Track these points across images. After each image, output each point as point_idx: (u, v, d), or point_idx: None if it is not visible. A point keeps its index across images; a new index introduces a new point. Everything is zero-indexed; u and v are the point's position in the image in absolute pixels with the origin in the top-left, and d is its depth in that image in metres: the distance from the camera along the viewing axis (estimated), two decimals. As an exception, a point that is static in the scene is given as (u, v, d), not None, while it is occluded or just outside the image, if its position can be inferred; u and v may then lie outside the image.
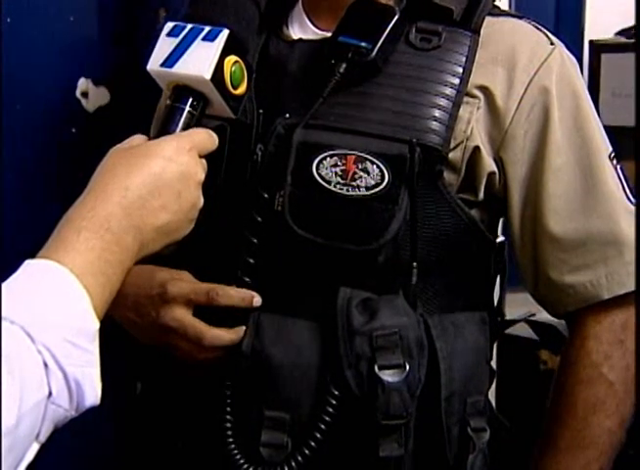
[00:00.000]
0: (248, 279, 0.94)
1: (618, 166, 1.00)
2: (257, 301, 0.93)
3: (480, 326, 1.01)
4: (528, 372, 1.25)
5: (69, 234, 0.71)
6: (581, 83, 1.02)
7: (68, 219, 0.72)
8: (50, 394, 0.64)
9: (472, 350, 0.99)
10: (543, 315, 1.14)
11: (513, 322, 1.16)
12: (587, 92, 1.02)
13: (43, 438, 0.65)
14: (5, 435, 0.59)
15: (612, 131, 1.02)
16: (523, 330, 1.29)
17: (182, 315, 0.92)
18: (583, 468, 0.98)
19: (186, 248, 0.97)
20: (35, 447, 0.65)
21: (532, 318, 1.20)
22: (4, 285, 0.66)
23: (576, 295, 0.98)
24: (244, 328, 0.93)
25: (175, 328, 0.92)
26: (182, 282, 0.93)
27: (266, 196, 0.92)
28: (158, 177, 0.75)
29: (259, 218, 0.93)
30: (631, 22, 1.82)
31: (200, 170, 0.79)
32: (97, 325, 0.68)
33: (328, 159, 0.90)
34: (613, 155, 1.00)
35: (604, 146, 1.00)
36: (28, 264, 0.68)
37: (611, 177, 0.98)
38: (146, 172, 0.75)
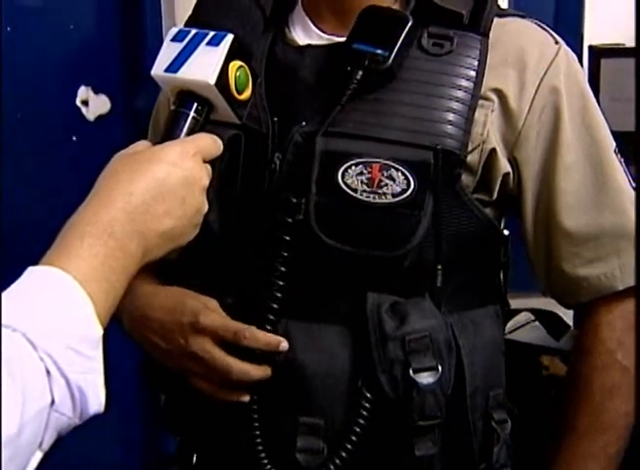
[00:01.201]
0: (280, 285, 0.93)
1: (622, 161, 1.02)
2: (284, 346, 0.92)
3: (494, 320, 1.03)
4: (530, 378, 1.25)
5: (73, 240, 0.70)
6: (585, 80, 1.03)
7: (72, 225, 0.71)
8: (53, 401, 0.63)
9: (490, 344, 1.01)
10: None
11: (517, 312, 1.17)
12: (590, 88, 1.03)
13: (46, 446, 0.64)
14: (6, 443, 0.58)
15: (612, 136, 1.02)
16: (523, 335, 1.29)
17: (212, 347, 0.92)
18: (602, 450, 0.99)
19: (200, 255, 0.97)
20: (39, 456, 0.64)
21: (537, 307, 1.21)
22: (6, 292, 0.65)
23: (590, 287, 1.00)
24: (270, 368, 0.93)
25: (204, 357, 0.92)
26: (214, 314, 0.93)
27: (294, 201, 0.92)
28: (162, 183, 0.74)
29: (289, 220, 0.92)
30: (631, 27, 1.82)
31: (204, 176, 0.78)
32: (100, 332, 0.67)
33: (353, 167, 0.90)
34: (617, 150, 1.02)
35: (610, 141, 1.02)
36: (32, 271, 0.68)
37: (619, 172, 1.00)
38: (150, 178, 0.74)
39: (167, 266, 1.00)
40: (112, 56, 1.61)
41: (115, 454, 1.69)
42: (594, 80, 1.01)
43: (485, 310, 1.02)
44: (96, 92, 1.59)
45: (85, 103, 1.58)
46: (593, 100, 1.02)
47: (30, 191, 1.47)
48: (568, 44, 1.03)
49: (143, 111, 1.57)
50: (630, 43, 1.90)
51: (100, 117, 1.60)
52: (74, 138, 1.56)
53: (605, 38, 2.01)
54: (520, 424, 1.05)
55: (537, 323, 1.26)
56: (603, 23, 2.07)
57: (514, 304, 1.11)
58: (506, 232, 1.03)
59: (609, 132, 1.02)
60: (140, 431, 1.70)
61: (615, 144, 1.02)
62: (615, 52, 1.91)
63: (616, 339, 0.99)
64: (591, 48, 1.99)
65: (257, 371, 0.92)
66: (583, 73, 1.03)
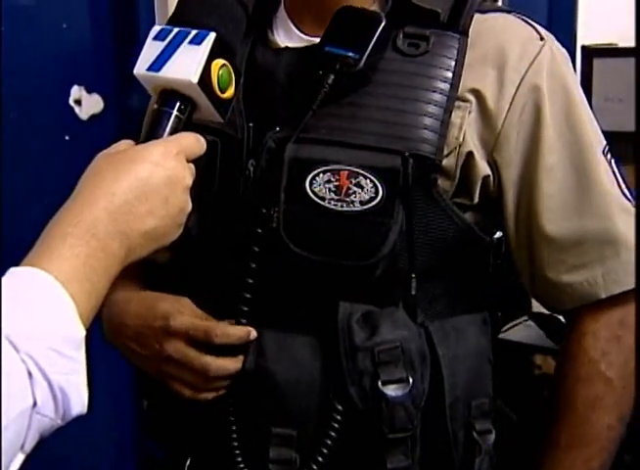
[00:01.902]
0: (248, 295, 0.93)
1: (613, 161, 0.99)
2: (254, 334, 0.92)
3: (480, 327, 1.01)
4: (523, 377, 1.24)
5: (55, 240, 0.70)
6: (573, 78, 1.00)
7: (54, 225, 0.71)
8: (35, 403, 0.63)
9: (474, 352, 0.99)
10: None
11: (515, 316, 1.16)
12: (579, 86, 1.00)
13: (28, 448, 0.64)
14: (-13, 445, 0.58)
15: (604, 136, 1.00)
16: (516, 335, 1.29)
17: (185, 348, 0.92)
18: (585, 464, 0.97)
19: (182, 260, 0.97)
20: (21, 458, 0.64)
21: (535, 311, 1.20)
22: (-12, 294, 0.65)
23: (574, 293, 0.97)
24: (243, 358, 0.93)
25: (179, 359, 0.92)
26: (184, 316, 0.92)
27: (264, 211, 0.91)
28: (145, 182, 0.74)
29: (259, 230, 0.92)
30: (623, 26, 1.81)
31: (187, 175, 0.78)
32: (83, 333, 0.67)
33: (321, 175, 0.89)
34: (607, 149, 0.99)
35: (597, 141, 0.98)
36: (13, 272, 0.67)
37: (605, 174, 0.97)
38: (133, 177, 0.74)
39: (153, 270, 1.00)
40: (105, 55, 1.61)
41: (109, 456, 1.69)
42: (587, 80, 1.01)
43: (470, 317, 1.00)
44: (89, 91, 1.59)
45: (78, 102, 1.58)
46: (580, 98, 0.98)
47: (23, 190, 1.47)
48: (561, 44, 1.00)
49: (136, 110, 1.57)
50: (623, 43, 1.89)
51: (93, 117, 1.59)
52: (67, 137, 1.56)
53: (598, 38, 2.00)
54: (513, 432, 1.04)
55: (530, 322, 1.26)
56: (596, 23, 2.07)
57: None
58: (498, 234, 1.01)
59: (597, 132, 0.99)
60: (133, 434, 1.70)
61: (604, 144, 0.99)
62: (608, 52, 1.90)
63: (599, 349, 0.97)
64: (584, 48, 1.98)
65: (234, 364, 0.92)
66: (571, 70, 1.00)
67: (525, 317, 1.28)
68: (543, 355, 1.31)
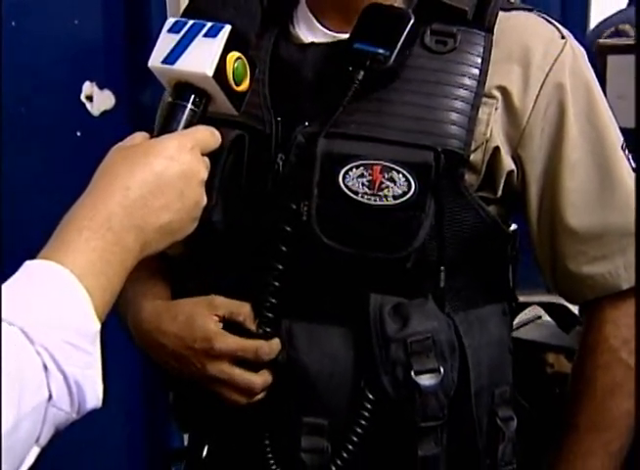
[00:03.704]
0: (277, 285, 0.93)
1: (630, 157, 1.00)
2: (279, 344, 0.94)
3: (501, 318, 1.02)
4: (535, 375, 1.24)
5: (71, 234, 0.69)
6: (592, 75, 1.01)
7: (70, 219, 0.71)
8: (50, 396, 0.63)
9: (496, 342, 1.00)
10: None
11: (526, 305, 1.16)
12: (598, 84, 1.01)
13: (44, 441, 0.64)
14: (3, 438, 0.58)
15: (618, 132, 1.01)
16: (528, 333, 1.28)
17: (230, 368, 0.92)
18: (603, 447, 0.99)
19: (205, 254, 0.97)
20: (36, 451, 0.63)
21: (546, 301, 1.20)
22: (3, 286, 0.65)
23: (595, 285, 0.99)
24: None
25: (224, 379, 0.92)
26: (228, 338, 0.92)
27: (294, 207, 0.92)
28: (159, 176, 0.74)
29: (288, 228, 0.92)
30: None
31: (202, 169, 0.78)
32: (98, 326, 0.67)
33: (354, 169, 0.89)
34: (624, 145, 1.00)
35: (616, 138, 1.00)
36: (28, 265, 0.67)
37: (625, 169, 0.99)
38: (148, 172, 0.74)
39: (175, 267, 1.01)
40: (116, 51, 1.61)
41: (121, 449, 1.70)
42: (600, 77, 1.00)
43: (492, 308, 1.01)
44: (101, 87, 1.59)
45: (90, 98, 1.58)
46: (600, 96, 1.00)
47: (35, 186, 1.47)
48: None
49: (148, 106, 1.57)
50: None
51: (104, 113, 1.60)
52: (79, 134, 1.56)
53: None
54: (527, 420, 1.05)
55: (543, 320, 1.25)
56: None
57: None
58: (514, 226, 1.02)
59: (617, 129, 1.00)
60: (145, 425, 1.70)
61: (622, 140, 1.00)
62: (621, 49, 1.89)
63: (620, 337, 0.98)
64: (597, 45, 1.97)
65: (271, 377, 0.94)
66: (590, 68, 1.01)
67: (537, 315, 1.27)
68: (555, 354, 1.31)
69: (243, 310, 0.93)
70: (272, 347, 0.93)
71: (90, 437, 1.50)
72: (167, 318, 0.95)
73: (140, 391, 1.65)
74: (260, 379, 0.93)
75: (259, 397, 0.94)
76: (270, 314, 0.94)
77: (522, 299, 1.11)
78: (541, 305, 1.21)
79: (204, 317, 0.93)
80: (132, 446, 1.71)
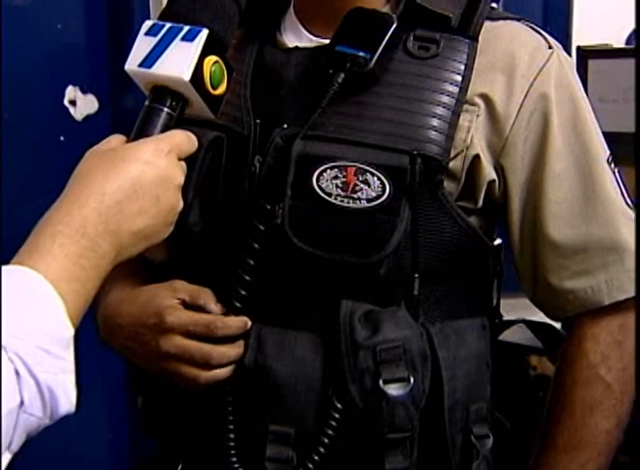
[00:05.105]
0: (244, 292, 0.93)
1: (617, 171, 0.99)
2: (249, 323, 0.92)
3: (480, 332, 1.01)
4: (518, 378, 1.24)
5: (45, 239, 0.69)
6: (579, 86, 1.00)
7: (44, 224, 0.71)
8: (22, 402, 0.62)
9: (473, 357, 0.98)
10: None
11: (511, 323, 1.16)
12: (584, 94, 1.01)
13: (15, 447, 0.63)
14: (-27, 444, 0.58)
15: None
16: (511, 336, 1.28)
17: (183, 341, 0.91)
18: (581, 468, 0.97)
19: (183, 257, 0.97)
20: (7, 457, 0.63)
21: (530, 319, 1.20)
22: (-25, 292, 0.64)
23: (576, 300, 0.98)
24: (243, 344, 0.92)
25: (179, 354, 0.91)
26: (179, 312, 0.91)
27: (268, 207, 0.91)
28: (135, 181, 0.74)
29: (262, 227, 0.92)
30: (619, 27, 1.81)
31: (179, 173, 0.78)
32: (71, 332, 0.67)
33: (328, 171, 0.89)
34: (611, 159, 0.99)
35: (602, 150, 0.99)
36: (1, 270, 0.67)
37: (610, 183, 0.98)
38: (123, 177, 0.73)
39: (153, 269, 1.00)
40: (99, 55, 1.60)
41: (103, 455, 1.69)
42: (581, 81, 1.01)
43: (471, 321, 1.00)
44: (84, 92, 1.59)
45: (73, 103, 1.57)
46: (586, 107, 0.99)
47: (18, 191, 1.46)
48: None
49: (131, 110, 1.57)
50: (618, 44, 1.89)
51: (88, 117, 1.59)
52: (62, 138, 1.55)
53: (593, 39, 2.00)
54: (504, 439, 1.03)
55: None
56: (591, 24, 2.06)
57: (503, 304, 1.10)
58: (498, 241, 1.01)
59: (602, 140, 1.00)
60: (126, 432, 1.69)
61: (609, 153, 0.99)
62: (602, 53, 1.89)
63: (600, 353, 0.97)
64: (579, 49, 1.98)
65: (235, 350, 0.91)
66: (577, 78, 1.01)
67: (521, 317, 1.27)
68: (539, 356, 1.31)
69: (203, 294, 0.92)
70: (227, 322, 0.91)
71: (71, 442, 1.49)
72: (128, 302, 0.95)
73: (121, 396, 1.64)
74: (217, 351, 0.90)
75: (221, 373, 0.91)
76: (239, 304, 0.92)
77: (505, 303, 1.11)
78: (526, 323, 1.21)
79: (163, 298, 0.92)
80: (113, 452, 1.70)
